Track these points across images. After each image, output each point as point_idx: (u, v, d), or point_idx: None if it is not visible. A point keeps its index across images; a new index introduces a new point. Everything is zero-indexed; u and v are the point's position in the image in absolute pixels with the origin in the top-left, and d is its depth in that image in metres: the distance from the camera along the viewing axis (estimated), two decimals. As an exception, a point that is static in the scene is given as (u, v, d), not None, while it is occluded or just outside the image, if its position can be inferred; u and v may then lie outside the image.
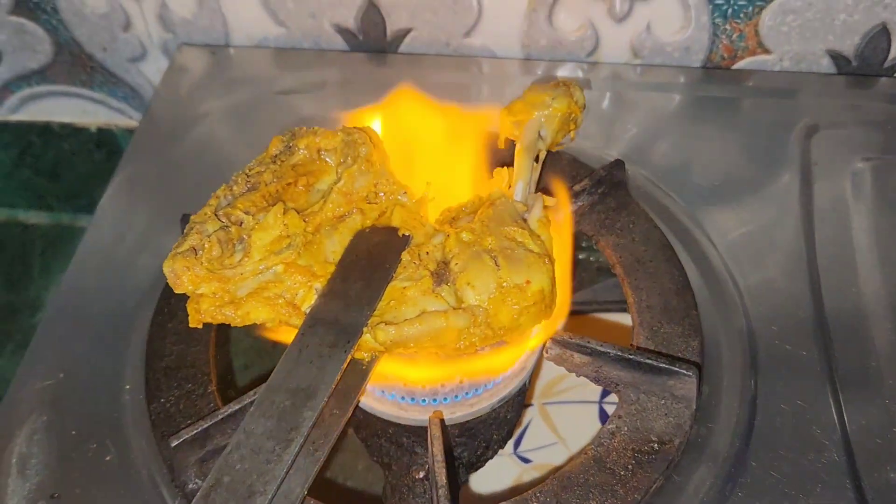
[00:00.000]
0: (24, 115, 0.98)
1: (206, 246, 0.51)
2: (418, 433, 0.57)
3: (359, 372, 0.50)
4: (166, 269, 0.51)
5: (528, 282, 0.49)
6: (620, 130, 0.76)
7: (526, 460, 0.67)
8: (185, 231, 0.53)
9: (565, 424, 0.69)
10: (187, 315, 0.60)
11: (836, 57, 0.81)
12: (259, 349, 0.74)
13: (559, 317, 0.55)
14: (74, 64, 0.93)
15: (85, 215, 1.04)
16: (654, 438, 0.53)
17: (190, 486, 0.52)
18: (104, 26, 0.89)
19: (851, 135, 0.74)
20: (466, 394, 0.55)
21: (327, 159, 0.57)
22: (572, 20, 0.82)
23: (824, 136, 0.74)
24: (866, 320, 0.61)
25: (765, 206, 0.69)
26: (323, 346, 0.49)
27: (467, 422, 0.57)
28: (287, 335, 0.52)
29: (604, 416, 0.69)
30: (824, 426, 0.55)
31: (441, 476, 0.50)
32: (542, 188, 0.60)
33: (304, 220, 0.53)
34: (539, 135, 0.60)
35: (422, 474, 0.57)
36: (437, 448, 0.52)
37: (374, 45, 0.87)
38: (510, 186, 0.57)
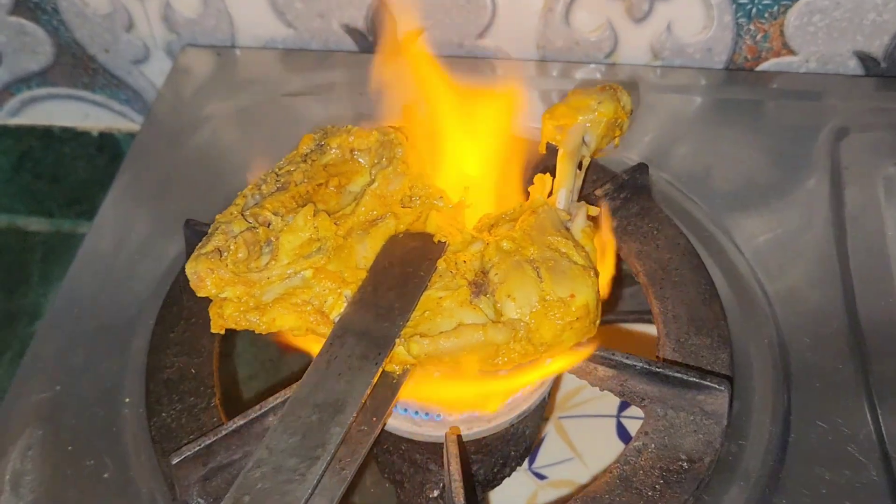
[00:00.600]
0: (24, 119, 0.97)
1: (231, 247, 0.50)
2: (433, 450, 0.55)
3: (389, 386, 0.49)
4: (189, 271, 0.49)
5: (572, 295, 0.48)
6: (640, 133, 0.75)
7: (541, 476, 0.66)
8: (209, 231, 0.51)
9: (582, 439, 0.68)
10: (190, 324, 0.59)
11: (863, 58, 0.79)
12: (264, 360, 0.72)
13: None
14: (76, 66, 0.92)
15: (85, 221, 1.03)
16: (683, 456, 0.51)
17: (192, 505, 0.51)
18: (106, 27, 0.88)
19: (882, 138, 0.72)
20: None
21: (360, 160, 0.56)
22: (590, 20, 0.80)
23: (854, 140, 0.72)
24: (904, 331, 0.59)
25: (793, 212, 0.68)
26: (353, 357, 0.48)
27: (483, 438, 0.55)
28: (306, 342, 0.51)
29: (621, 431, 0.67)
30: (862, 443, 0.53)
31: (459, 496, 0.48)
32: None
33: (335, 223, 0.52)
34: (583, 140, 0.59)
35: (436, 493, 0.55)
36: (454, 466, 0.50)
37: (383, 46, 0.85)
38: (551, 194, 0.55)
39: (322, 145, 0.57)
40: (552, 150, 0.60)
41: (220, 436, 0.50)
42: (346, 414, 0.46)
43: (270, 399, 0.51)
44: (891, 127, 0.73)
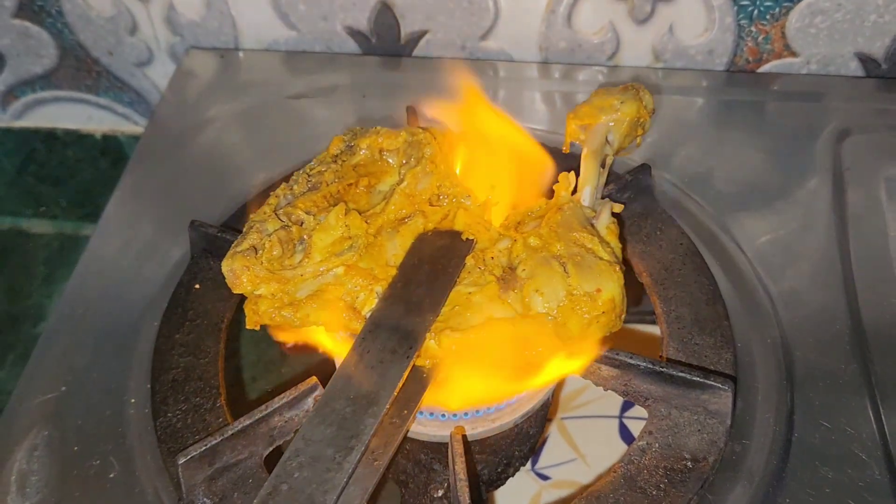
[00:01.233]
0: (27, 122, 0.97)
1: (266, 245, 0.51)
2: (437, 449, 0.55)
3: (419, 379, 0.49)
4: (225, 269, 0.50)
5: (598, 290, 0.48)
6: (643, 135, 0.74)
7: (544, 477, 0.65)
8: (244, 230, 0.52)
9: (585, 440, 0.68)
10: (195, 325, 0.59)
11: (865, 60, 0.79)
12: (269, 361, 0.72)
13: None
14: (79, 69, 0.92)
15: (89, 224, 1.02)
16: (686, 456, 0.51)
17: (198, 505, 0.51)
18: (110, 30, 0.88)
19: (884, 139, 0.72)
20: (489, 408, 0.53)
21: (389, 160, 0.57)
22: (592, 22, 0.80)
23: (856, 141, 0.72)
24: (906, 331, 0.59)
25: (795, 213, 0.67)
26: (385, 351, 0.49)
27: (488, 437, 0.55)
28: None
29: (624, 432, 0.67)
30: (865, 443, 0.53)
31: (464, 496, 0.48)
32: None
33: (366, 222, 0.53)
34: (606, 139, 0.59)
35: (440, 493, 0.55)
36: (459, 466, 0.49)
37: (387, 48, 0.85)
38: (575, 192, 0.56)
39: (352, 146, 0.58)
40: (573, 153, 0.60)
41: (225, 436, 0.50)
42: (380, 406, 0.46)
43: (276, 399, 0.51)
44: (892, 128, 0.73)
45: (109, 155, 0.98)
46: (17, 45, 0.90)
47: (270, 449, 0.52)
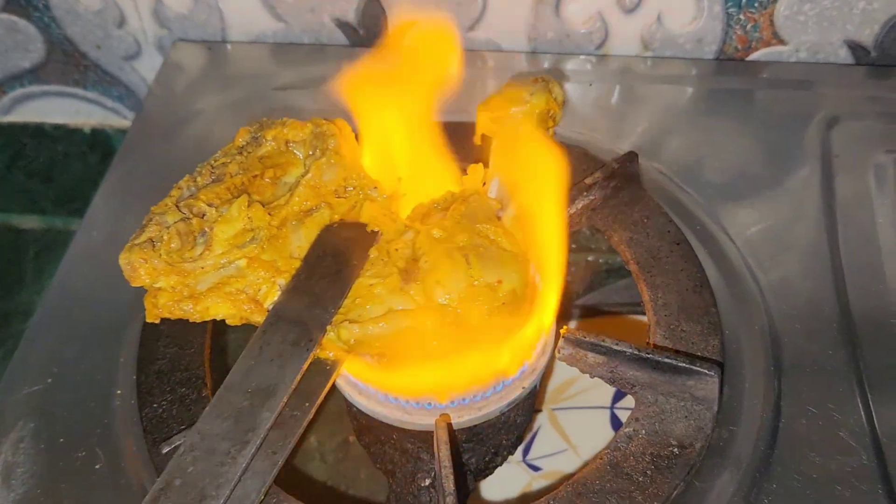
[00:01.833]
0: (16, 117, 0.97)
1: (164, 238, 0.50)
2: (424, 438, 0.55)
3: (323, 372, 0.49)
4: (122, 261, 0.50)
5: (500, 281, 0.49)
6: (631, 124, 0.75)
7: (535, 468, 0.66)
8: (143, 222, 0.52)
9: (576, 431, 0.68)
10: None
11: (854, 47, 0.79)
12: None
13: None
14: (67, 63, 0.91)
15: (78, 219, 1.00)
16: (673, 442, 0.51)
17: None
18: (98, 23, 0.87)
19: (872, 127, 0.72)
20: (474, 397, 0.53)
21: (296, 151, 0.57)
22: (581, 12, 0.80)
23: (845, 129, 0.72)
24: (894, 318, 0.58)
25: (784, 200, 0.67)
26: (285, 344, 0.48)
27: (475, 426, 0.55)
28: None
29: (616, 422, 0.67)
30: (852, 428, 0.53)
31: (449, 483, 0.48)
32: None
33: (270, 214, 0.53)
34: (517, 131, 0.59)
35: (427, 482, 0.55)
36: (444, 453, 0.49)
37: (375, 39, 0.85)
38: (485, 184, 0.56)
39: (257, 137, 0.57)
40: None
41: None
42: (277, 399, 0.46)
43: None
44: (881, 115, 0.73)
45: (98, 149, 0.98)
46: (5, 40, 0.90)
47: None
